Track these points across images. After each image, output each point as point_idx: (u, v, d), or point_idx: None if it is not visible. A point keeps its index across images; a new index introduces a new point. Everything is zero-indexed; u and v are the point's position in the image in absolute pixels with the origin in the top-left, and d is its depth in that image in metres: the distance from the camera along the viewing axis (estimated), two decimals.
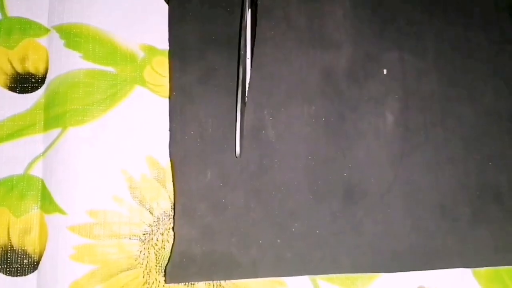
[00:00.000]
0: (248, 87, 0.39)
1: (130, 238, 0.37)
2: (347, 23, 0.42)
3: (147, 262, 0.37)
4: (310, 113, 0.40)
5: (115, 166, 0.38)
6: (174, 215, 0.37)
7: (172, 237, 0.37)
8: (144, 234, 0.37)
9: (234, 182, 0.38)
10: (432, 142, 0.40)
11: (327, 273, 0.37)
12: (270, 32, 0.41)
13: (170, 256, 0.36)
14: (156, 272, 0.37)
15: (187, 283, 0.36)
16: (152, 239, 0.37)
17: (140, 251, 0.37)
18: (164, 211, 0.38)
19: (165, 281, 0.36)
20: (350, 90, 0.40)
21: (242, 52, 0.36)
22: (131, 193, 0.38)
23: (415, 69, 0.41)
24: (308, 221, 0.38)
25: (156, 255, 0.37)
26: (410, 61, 0.42)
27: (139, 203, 0.38)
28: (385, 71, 0.41)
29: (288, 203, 0.38)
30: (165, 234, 0.37)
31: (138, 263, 0.37)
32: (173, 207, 0.38)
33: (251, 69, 0.39)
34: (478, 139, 0.40)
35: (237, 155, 0.37)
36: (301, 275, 0.37)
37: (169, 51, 0.40)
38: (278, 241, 0.37)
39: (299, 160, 0.39)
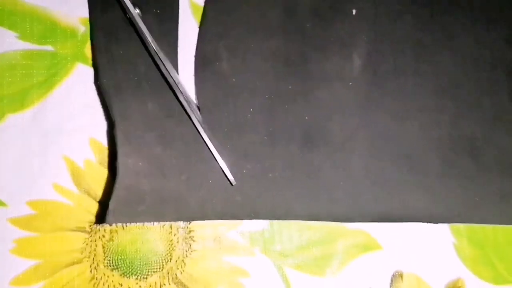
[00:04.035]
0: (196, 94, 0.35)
1: (74, 230, 0.34)
2: None
3: (94, 255, 0.34)
4: (270, 49, 0.36)
5: (56, 153, 0.35)
6: (115, 144, 0.34)
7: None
8: (90, 225, 0.34)
9: (181, 115, 0.34)
10: (402, 89, 0.36)
11: (280, 219, 0.35)
12: None
13: (112, 191, 0.33)
14: (105, 266, 0.33)
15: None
16: (99, 230, 0.34)
17: (87, 244, 0.34)
18: None
19: (106, 221, 0.32)
20: (315, 29, 0.37)
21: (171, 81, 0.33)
22: (74, 181, 0.34)
23: (388, 11, 0.37)
24: (262, 164, 0.35)
25: (104, 247, 0.34)
26: (383, 2, 0.37)
27: (83, 192, 0.34)
28: (354, 11, 0.37)
29: (241, 142, 0.35)
30: (113, 224, 0.34)
31: (85, 257, 0.34)
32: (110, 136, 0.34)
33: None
34: (454, 88, 0.36)
35: (232, 183, 0.34)
36: (251, 219, 0.34)
37: None
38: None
39: (256, 98, 0.35)
